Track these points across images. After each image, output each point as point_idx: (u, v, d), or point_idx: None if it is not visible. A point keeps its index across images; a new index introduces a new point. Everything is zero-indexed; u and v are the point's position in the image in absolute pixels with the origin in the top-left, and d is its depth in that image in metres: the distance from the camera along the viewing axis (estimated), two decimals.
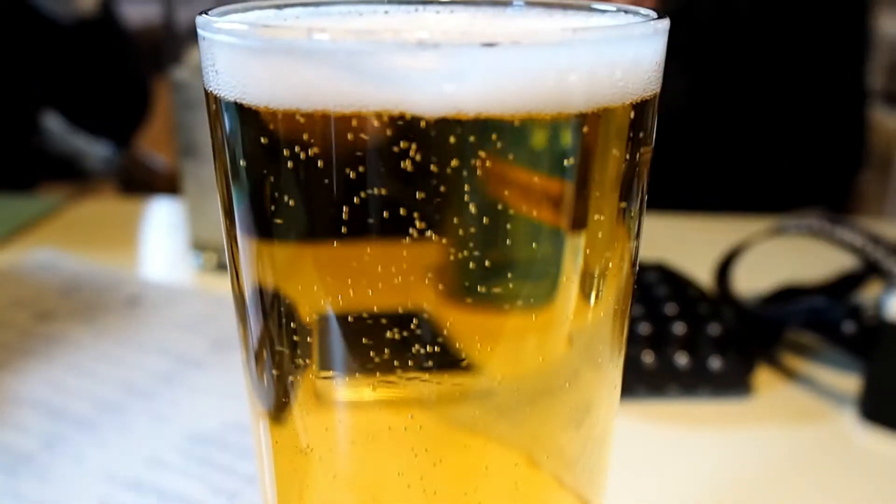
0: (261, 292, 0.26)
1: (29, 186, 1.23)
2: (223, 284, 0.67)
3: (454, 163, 0.21)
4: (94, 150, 1.45)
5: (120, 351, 0.58)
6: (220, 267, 0.74)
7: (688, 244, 0.77)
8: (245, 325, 0.27)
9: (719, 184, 1.13)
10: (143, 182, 1.50)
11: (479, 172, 0.21)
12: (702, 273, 0.65)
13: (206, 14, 0.22)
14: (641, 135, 0.24)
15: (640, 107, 0.23)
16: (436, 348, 0.24)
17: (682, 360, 0.53)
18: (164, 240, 0.88)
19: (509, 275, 0.23)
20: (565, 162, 0.22)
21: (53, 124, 1.38)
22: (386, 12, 0.26)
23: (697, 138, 1.11)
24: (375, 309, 0.23)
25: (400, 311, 0.23)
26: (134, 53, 1.33)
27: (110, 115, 1.37)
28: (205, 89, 0.24)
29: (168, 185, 1.40)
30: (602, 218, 0.24)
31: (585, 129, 0.22)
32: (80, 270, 0.72)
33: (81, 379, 0.55)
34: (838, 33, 1.16)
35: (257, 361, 0.27)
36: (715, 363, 0.53)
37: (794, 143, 1.14)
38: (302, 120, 0.21)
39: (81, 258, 0.75)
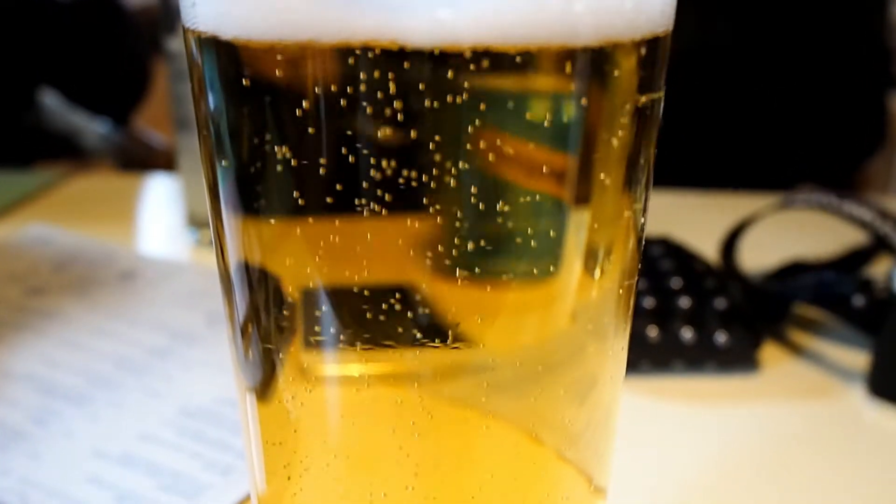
0: (245, 263, 0.24)
1: (26, 163, 1.22)
2: None
3: (449, 101, 0.19)
4: (92, 127, 1.43)
5: (113, 325, 0.57)
6: None
7: (694, 219, 0.76)
8: (230, 300, 0.26)
9: (732, 160, 1.12)
10: (141, 159, 1.48)
11: (476, 112, 0.20)
12: (708, 248, 0.64)
13: None
14: (653, 78, 0.22)
15: (652, 44, 0.21)
16: (431, 323, 0.22)
17: (687, 334, 0.52)
18: (160, 215, 0.86)
19: (507, 237, 0.22)
20: (572, 102, 0.21)
21: (51, 101, 1.36)
22: None
23: (714, 111, 1.10)
24: (368, 281, 0.22)
25: (394, 283, 0.22)
26: (132, 31, 1.32)
27: (109, 92, 1.36)
28: (182, 27, 0.22)
29: (166, 162, 1.39)
30: (607, 172, 0.22)
31: (593, 64, 0.20)
32: (74, 245, 0.71)
33: (74, 353, 0.54)
34: (857, 17, 1.14)
35: (243, 337, 0.26)
36: (721, 338, 0.52)
37: (811, 121, 1.12)
38: (285, 52, 0.20)
39: (76, 233, 0.73)
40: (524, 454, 0.26)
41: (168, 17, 0.70)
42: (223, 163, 0.23)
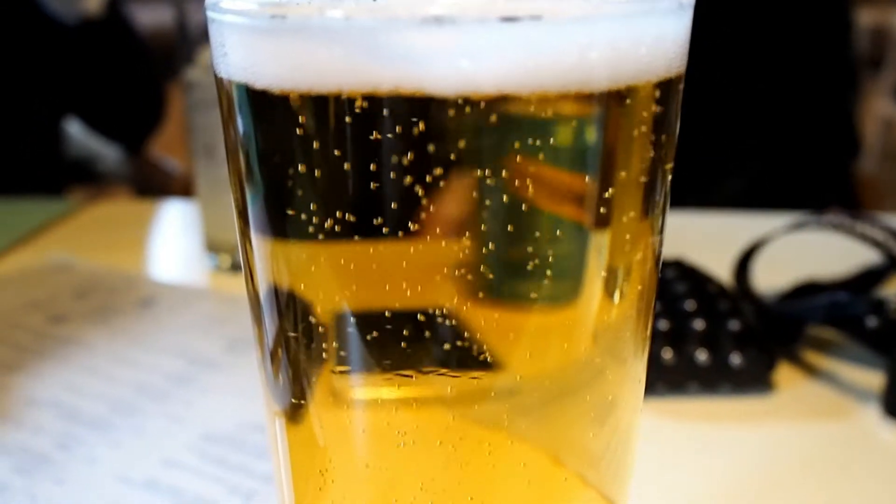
0: (275, 288, 0.25)
1: (56, 192, 1.22)
2: (237, 285, 0.66)
3: (472, 143, 0.20)
4: (108, 153, 1.45)
5: (134, 352, 0.58)
6: (235, 268, 0.73)
7: (706, 240, 0.76)
8: (260, 324, 0.27)
9: (718, 182, 1.13)
10: (156, 185, 1.50)
11: (498, 153, 0.21)
12: (721, 269, 0.64)
13: None
14: (666, 117, 0.23)
15: (666, 86, 0.22)
16: (457, 346, 0.23)
17: (702, 356, 0.52)
18: (178, 241, 0.87)
19: (530, 263, 0.22)
20: (588, 143, 0.22)
21: (69, 128, 1.38)
22: None
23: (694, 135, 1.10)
24: (395, 305, 0.23)
25: (421, 307, 0.23)
26: (147, 56, 1.33)
27: (125, 117, 1.37)
28: (215, 74, 0.23)
29: (182, 188, 1.40)
30: (626, 204, 0.23)
31: (609, 108, 0.21)
32: (94, 273, 0.72)
33: (96, 380, 0.54)
34: (822, 26, 1.15)
35: (273, 360, 0.27)
36: (735, 359, 0.52)
37: (787, 136, 1.13)
38: (315, 101, 0.20)
39: (95, 260, 0.74)
40: (547, 476, 0.27)
41: (186, 48, 0.71)
42: (253, 190, 0.24)
